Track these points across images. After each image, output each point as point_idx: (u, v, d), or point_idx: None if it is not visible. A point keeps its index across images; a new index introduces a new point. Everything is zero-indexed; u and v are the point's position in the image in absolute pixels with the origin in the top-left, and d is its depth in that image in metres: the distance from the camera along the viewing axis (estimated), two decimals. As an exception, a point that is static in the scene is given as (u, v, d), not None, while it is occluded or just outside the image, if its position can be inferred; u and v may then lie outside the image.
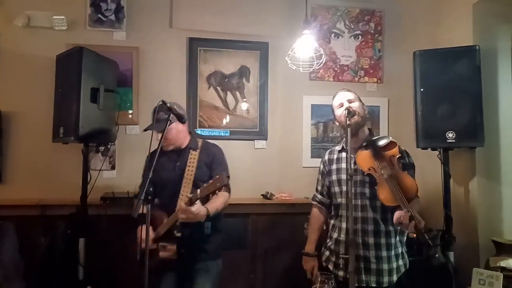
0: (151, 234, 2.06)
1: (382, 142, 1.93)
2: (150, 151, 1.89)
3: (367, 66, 3.29)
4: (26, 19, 2.77)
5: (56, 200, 2.70)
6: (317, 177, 2.20)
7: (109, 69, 2.67)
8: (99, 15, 2.90)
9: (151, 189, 1.71)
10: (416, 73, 2.49)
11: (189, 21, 3.04)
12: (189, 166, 2.15)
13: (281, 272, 2.98)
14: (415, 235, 2.55)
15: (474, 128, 2.34)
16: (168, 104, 1.92)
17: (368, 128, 2.07)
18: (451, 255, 2.40)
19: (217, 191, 1.91)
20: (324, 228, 2.19)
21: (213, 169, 2.17)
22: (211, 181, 1.92)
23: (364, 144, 1.98)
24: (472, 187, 2.52)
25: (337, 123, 2.12)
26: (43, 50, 2.78)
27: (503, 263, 2.11)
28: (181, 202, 1.98)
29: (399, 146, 1.94)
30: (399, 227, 1.93)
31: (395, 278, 1.91)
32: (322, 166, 2.17)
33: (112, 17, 2.92)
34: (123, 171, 2.90)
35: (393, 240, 1.93)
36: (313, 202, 2.20)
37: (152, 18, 3.00)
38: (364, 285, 1.87)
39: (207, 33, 3.05)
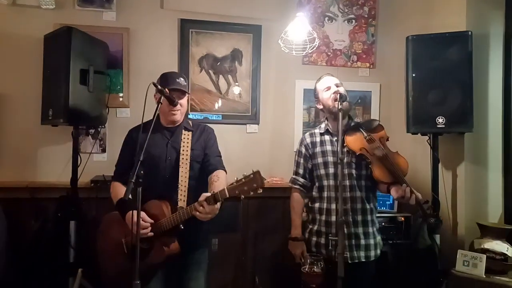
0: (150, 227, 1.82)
1: (373, 125, 2.06)
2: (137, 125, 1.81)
3: (360, 51, 3.27)
4: (12, -3, 2.69)
5: (46, 183, 2.68)
6: (297, 160, 2.22)
7: (99, 50, 2.62)
8: (88, -6, 2.82)
9: (142, 171, 1.54)
10: (408, 58, 2.49)
11: (181, 2, 2.97)
12: (183, 145, 2.01)
13: (271, 255, 3.02)
14: (403, 219, 2.66)
15: (463, 114, 2.36)
16: (159, 87, 1.88)
17: (348, 114, 2.16)
18: (437, 237, 2.45)
19: (251, 193, 1.66)
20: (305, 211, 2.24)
21: (207, 151, 2.04)
22: (244, 180, 1.68)
23: (352, 125, 2.08)
24: (460, 172, 2.56)
25: (320, 106, 2.18)
26: (30, 29, 2.71)
27: (486, 245, 2.17)
28: (202, 198, 1.72)
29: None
30: (373, 206, 2.09)
31: (378, 252, 2.09)
32: (304, 150, 2.19)
33: (102, -4, 2.84)
34: (114, 154, 2.84)
35: (374, 217, 2.10)
36: (295, 186, 2.20)
37: (142, -2, 2.93)
38: (356, 260, 2.00)
39: (199, 15, 3.00)
